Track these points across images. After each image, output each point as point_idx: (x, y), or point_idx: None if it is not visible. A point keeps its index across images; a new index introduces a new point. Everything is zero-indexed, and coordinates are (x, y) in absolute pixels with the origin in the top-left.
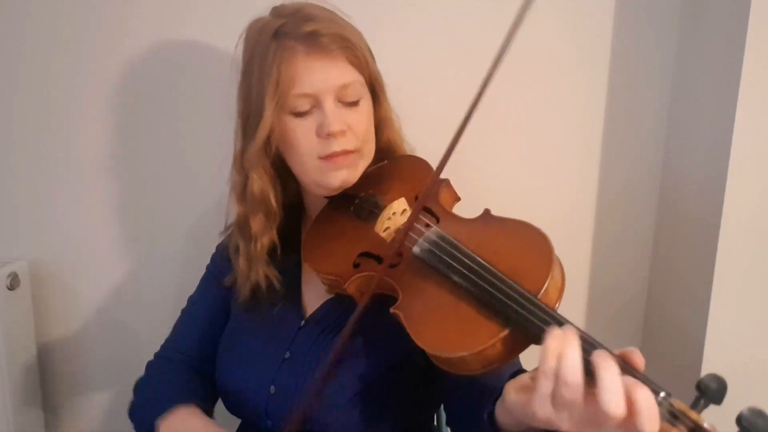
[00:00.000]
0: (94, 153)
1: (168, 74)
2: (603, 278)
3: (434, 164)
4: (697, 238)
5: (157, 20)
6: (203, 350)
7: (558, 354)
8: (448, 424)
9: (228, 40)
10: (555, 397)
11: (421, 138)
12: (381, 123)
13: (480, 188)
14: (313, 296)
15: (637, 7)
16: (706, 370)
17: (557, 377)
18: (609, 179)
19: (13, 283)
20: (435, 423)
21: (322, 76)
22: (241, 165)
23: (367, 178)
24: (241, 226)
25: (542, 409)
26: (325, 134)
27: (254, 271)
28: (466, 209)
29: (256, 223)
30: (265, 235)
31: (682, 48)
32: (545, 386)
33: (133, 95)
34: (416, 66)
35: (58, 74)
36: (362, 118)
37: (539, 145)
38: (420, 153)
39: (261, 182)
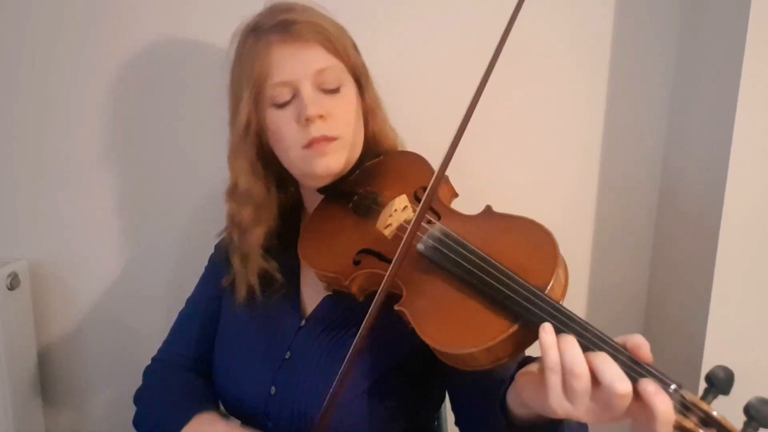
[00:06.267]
0: (94, 153)
1: (166, 74)
2: (603, 278)
3: (432, 160)
4: (697, 237)
5: (154, 19)
6: (200, 353)
7: (557, 347)
8: (456, 424)
9: (226, 38)
10: (567, 390)
11: (420, 134)
12: (366, 113)
13: (480, 188)
14: (313, 294)
15: (637, 8)
16: (706, 369)
17: (564, 371)
18: (609, 179)
19: (13, 283)
20: (436, 423)
21: (295, 61)
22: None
23: (363, 174)
24: (232, 219)
25: (560, 406)
26: (303, 120)
27: (249, 266)
28: (465, 208)
29: (246, 216)
30: (256, 227)
31: (682, 48)
32: (554, 380)
33: (132, 95)
34: (413, 63)
35: (58, 74)
36: (344, 105)
37: (539, 144)
38: (420, 150)
39: (244, 173)
